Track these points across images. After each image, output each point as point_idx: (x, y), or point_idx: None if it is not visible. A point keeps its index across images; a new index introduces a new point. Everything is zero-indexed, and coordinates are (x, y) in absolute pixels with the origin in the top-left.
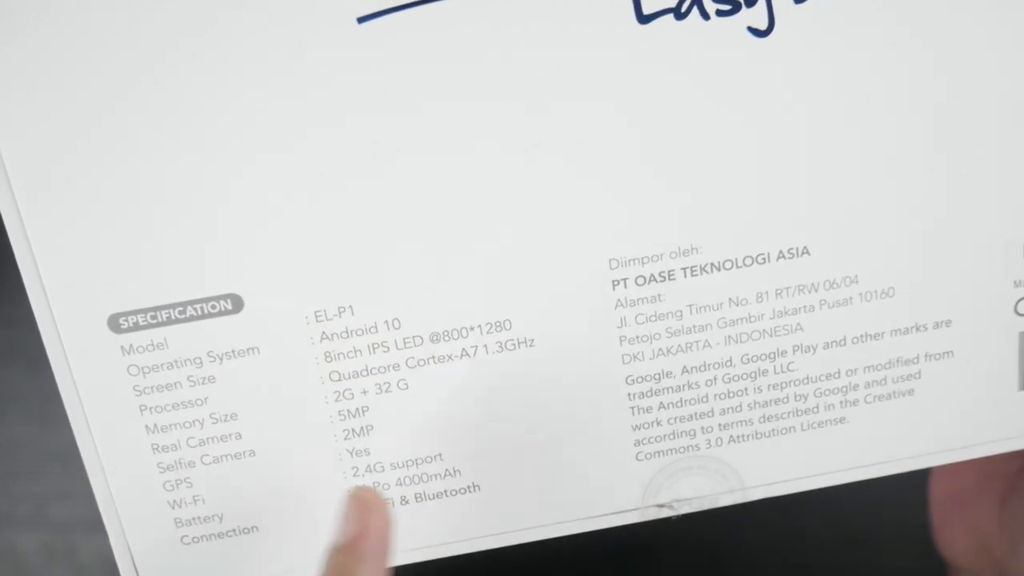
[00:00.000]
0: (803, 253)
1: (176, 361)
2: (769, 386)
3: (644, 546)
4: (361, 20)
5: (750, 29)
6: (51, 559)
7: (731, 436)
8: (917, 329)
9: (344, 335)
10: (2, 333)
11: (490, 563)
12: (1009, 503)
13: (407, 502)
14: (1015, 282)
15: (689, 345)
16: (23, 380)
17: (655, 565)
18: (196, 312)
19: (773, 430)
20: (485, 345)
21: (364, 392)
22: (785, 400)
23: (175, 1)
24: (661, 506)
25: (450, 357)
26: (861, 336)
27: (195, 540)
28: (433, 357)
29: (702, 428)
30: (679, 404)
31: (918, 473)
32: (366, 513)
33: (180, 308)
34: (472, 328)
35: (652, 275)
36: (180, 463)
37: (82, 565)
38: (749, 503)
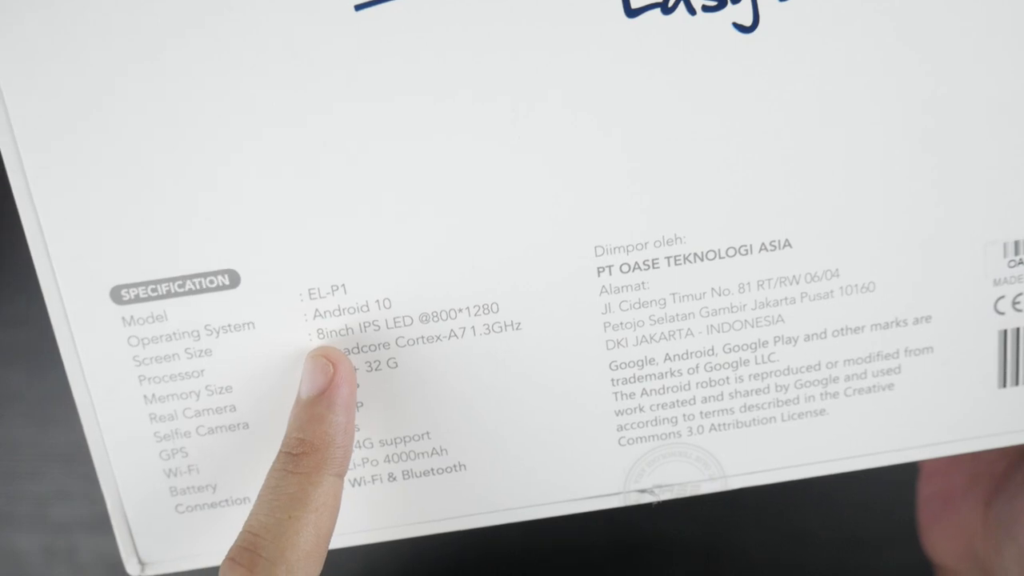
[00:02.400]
0: (785, 246)
1: (175, 333)
2: (750, 376)
3: (642, 545)
4: (359, 8)
5: (735, 25)
6: (51, 559)
7: (712, 424)
8: (897, 324)
9: (336, 313)
10: (2, 333)
11: (488, 559)
12: (994, 504)
13: (395, 479)
14: (994, 280)
15: (672, 333)
16: (23, 380)
17: (653, 565)
18: (195, 286)
19: (754, 420)
20: (473, 327)
21: (355, 369)
22: (766, 390)
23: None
24: (643, 491)
25: (438, 338)
26: (842, 329)
27: (189, 509)
28: (422, 337)
29: (684, 415)
30: (661, 391)
31: (916, 472)
32: (330, 365)
33: (179, 282)
34: (460, 310)
35: (637, 263)
36: (176, 433)
37: (82, 565)
38: (746, 502)
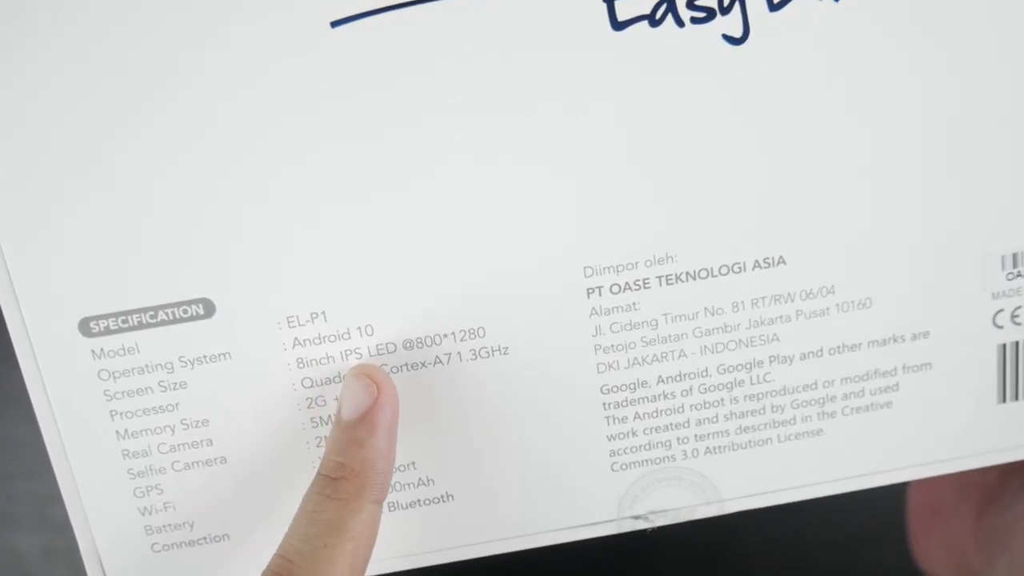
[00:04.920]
0: (779, 263)
1: (147, 366)
2: (745, 397)
3: (642, 548)
4: (335, 24)
5: (725, 37)
6: (51, 559)
7: (707, 447)
8: (895, 340)
9: (316, 341)
10: (2, 333)
11: (484, 563)
12: (986, 516)
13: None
14: (993, 294)
15: (664, 355)
16: (23, 380)
17: (653, 567)
18: (168, 317)
19: (750, 442)
20: (459, 353)
21: (337, 399)
22: (761, 411)
23: (160, 26)
24: (637, 518)
25: (423, 364)
26: (838, 347)
27: (165, 548)
28: (406, 364)
29: (678, 439)
30: (655, 414)
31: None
32: (374, 386)
33: (152, 312)
34: (446, 335)
35: (627, 283)
36: (151, 470)
37: (82, 565)
38: None
